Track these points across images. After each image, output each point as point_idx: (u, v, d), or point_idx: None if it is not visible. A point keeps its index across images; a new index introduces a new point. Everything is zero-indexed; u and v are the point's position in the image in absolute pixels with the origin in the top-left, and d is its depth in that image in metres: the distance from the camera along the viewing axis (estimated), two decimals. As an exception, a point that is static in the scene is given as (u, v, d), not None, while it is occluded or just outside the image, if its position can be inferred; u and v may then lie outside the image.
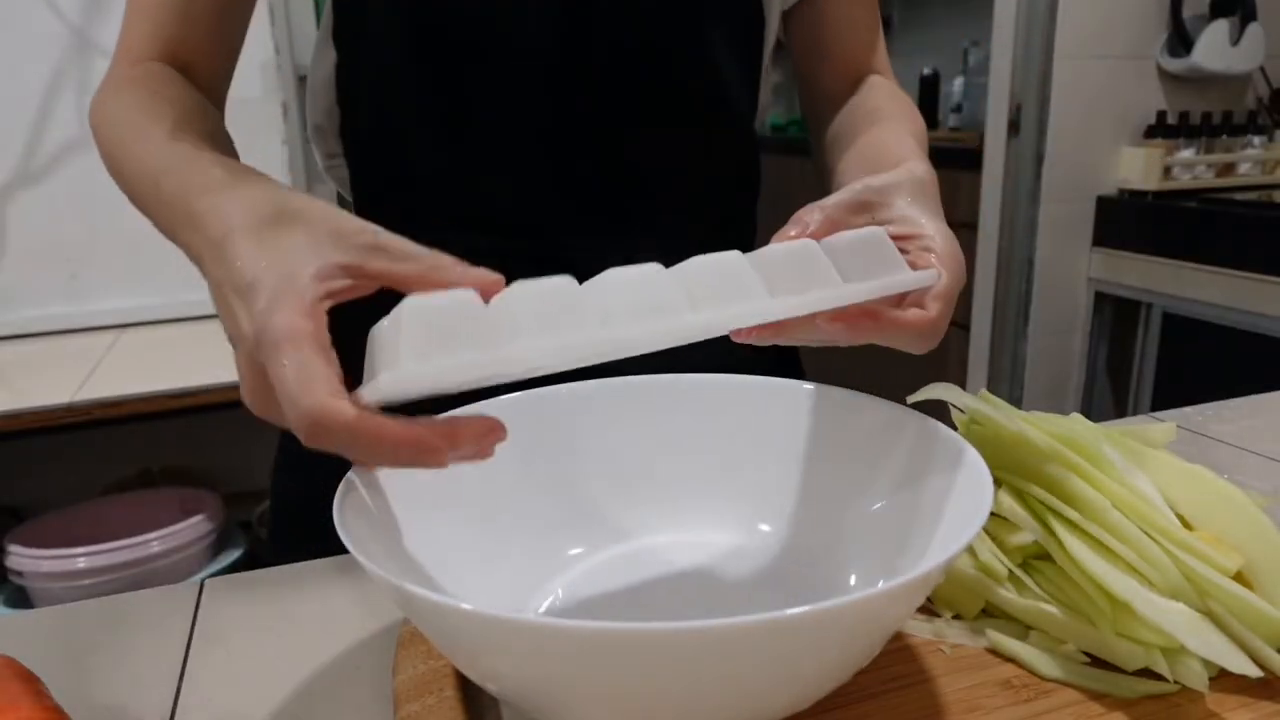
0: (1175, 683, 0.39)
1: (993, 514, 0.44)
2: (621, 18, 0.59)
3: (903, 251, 0.42)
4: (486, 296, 0.33)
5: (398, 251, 0.35)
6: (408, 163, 0.62)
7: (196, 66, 0.56)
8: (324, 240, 0.35)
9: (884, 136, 0.57)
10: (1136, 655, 0.39)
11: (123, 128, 0.50)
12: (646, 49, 0.60)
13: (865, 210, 0.44)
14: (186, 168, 0.43)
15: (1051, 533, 0.42)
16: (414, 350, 0.30)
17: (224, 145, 0.50)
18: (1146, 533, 0.41)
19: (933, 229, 0.44)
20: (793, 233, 0.41)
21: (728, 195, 0.69)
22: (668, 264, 0.36)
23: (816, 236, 0.41)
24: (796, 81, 0.73)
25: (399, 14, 0.58)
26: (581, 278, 0.34)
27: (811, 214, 0.43)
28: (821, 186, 0.60)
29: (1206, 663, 0.38)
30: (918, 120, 0.62)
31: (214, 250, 0.37)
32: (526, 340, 0.31)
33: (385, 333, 0.32)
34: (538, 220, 0.62)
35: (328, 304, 0.34)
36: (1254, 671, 0.38)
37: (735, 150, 0.68)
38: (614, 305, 0.33)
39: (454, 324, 0.31)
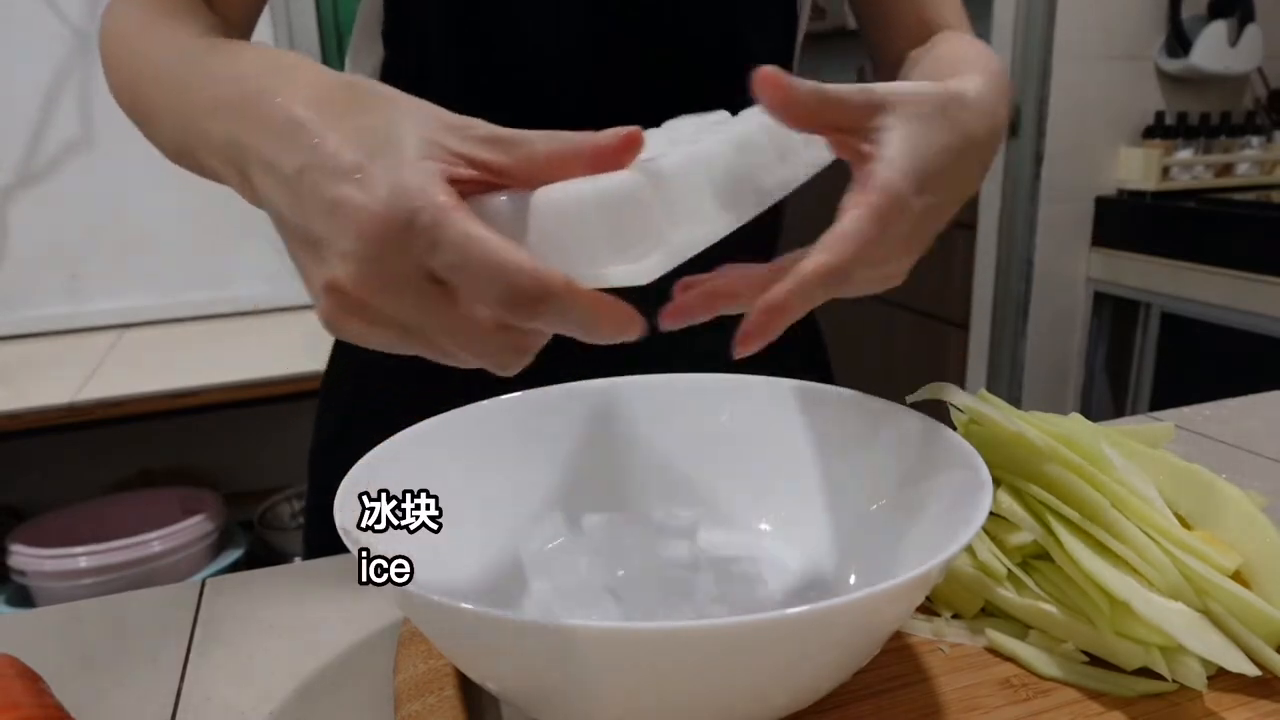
0: (1174, 682, 0.39)
1: (992, 514, 0.44)
2: (651, 13, 0.59)
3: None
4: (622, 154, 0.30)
5: (514, 141, 0.30)
6: None
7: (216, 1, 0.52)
8: (435, 126, 0.30)
9: (953, 51, 0.50)
10: (1135, 654, 0.39)
11: (141, 26, 0.45)
12: (677, 45, 0.60)
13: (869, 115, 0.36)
14: (228, 56, 0.37)
15: (1051, 532, 0.42)
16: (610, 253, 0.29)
17: None
18: (1145, 532, 0.41)
19: (897, 135, 0.35)
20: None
21: None
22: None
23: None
24: (869, 57, 0.69)
25: (439, 13, 0.59)
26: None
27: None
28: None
29: (1205, 661, 0.38)
30: (992, 59, 0.50)
31: (285, 132, 0.31)
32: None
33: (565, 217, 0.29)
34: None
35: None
36: (1252, 670, 0.38)
37: None
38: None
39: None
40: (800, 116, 0.34)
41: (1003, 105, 0.43)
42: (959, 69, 0.42)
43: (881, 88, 0.36)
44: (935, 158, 0.36)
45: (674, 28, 0.60)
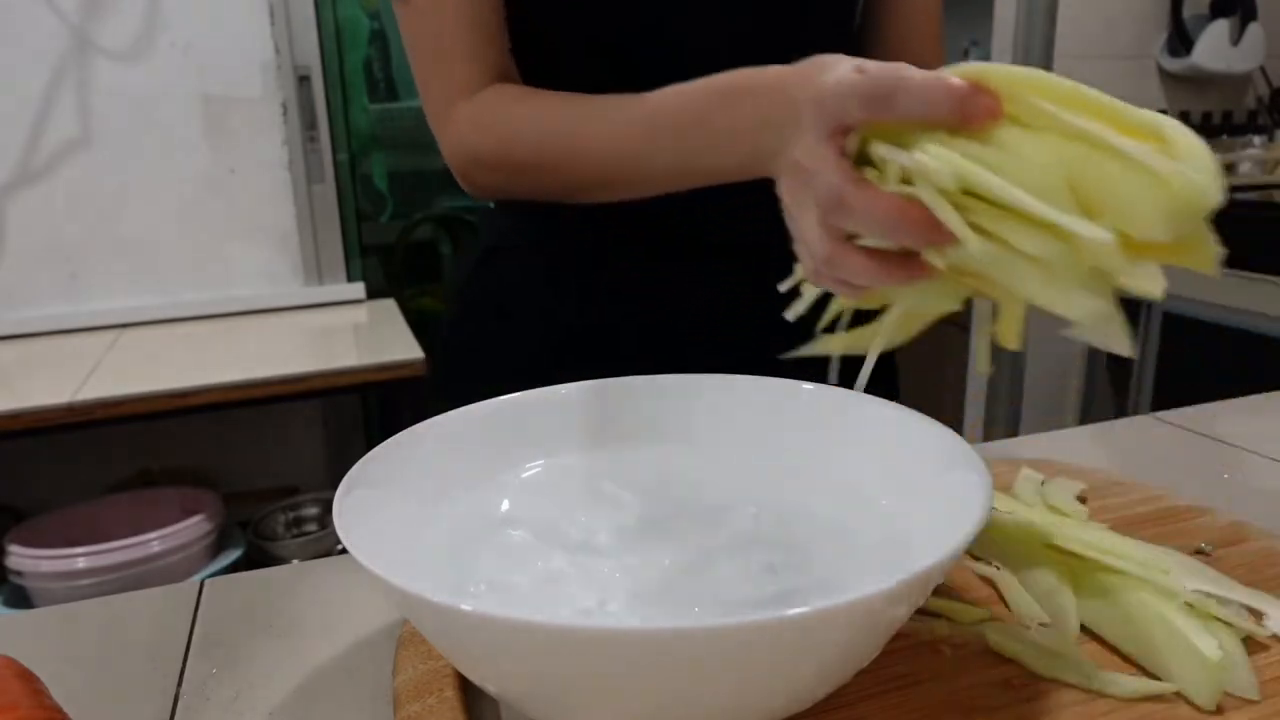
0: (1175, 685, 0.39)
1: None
2: (794, 24, 0.60)
3: None
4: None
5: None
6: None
7: (513, 75, 0.60)
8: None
9: None
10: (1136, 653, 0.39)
11: (551, 120, 0.55)
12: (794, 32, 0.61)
13: None
14: (672, 96, 0.49)
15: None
16: None
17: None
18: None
19: None
20: None
21: None
22: None
23: None
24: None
25: (584, 41, 0.59)
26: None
27: None
28: None
29: (1212, 674, 0.38)
30: None
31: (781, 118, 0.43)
32: None
33: None
34: (749, 238, 0.59)
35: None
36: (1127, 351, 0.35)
37: None
38: None
39: None
40: None
41: None
42: None
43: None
44: None
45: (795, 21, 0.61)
